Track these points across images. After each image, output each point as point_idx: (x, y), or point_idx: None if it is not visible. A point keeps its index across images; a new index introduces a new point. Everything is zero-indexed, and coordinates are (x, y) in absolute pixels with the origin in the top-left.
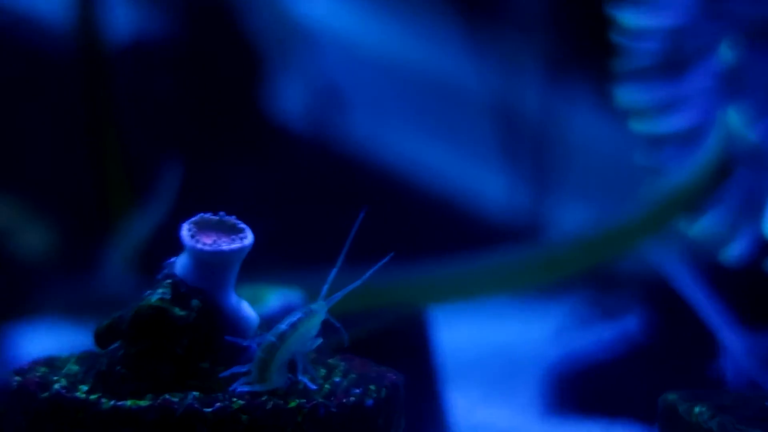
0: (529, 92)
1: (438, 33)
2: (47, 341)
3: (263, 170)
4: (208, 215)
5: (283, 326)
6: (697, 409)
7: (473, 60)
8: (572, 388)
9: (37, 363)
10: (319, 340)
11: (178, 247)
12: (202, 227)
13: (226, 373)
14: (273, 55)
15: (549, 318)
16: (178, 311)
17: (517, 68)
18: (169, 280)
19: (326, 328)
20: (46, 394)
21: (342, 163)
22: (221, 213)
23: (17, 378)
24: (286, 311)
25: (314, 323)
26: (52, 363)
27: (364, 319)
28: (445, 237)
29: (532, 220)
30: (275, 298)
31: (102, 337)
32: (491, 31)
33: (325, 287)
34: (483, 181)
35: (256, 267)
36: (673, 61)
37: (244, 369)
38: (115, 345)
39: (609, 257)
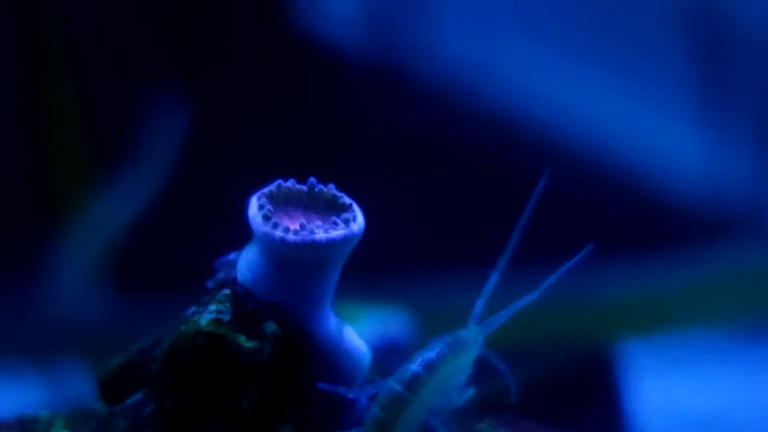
0: None
1: None
2: None
3: (305, 116)
4: (290, 183)
5: (415, 367)
6: None
7: None
8: None
9: (4, 426)
10: (472, 391)
11: (211, 243)
12: (282, 202)
13: None
14: None
15: None
16: (244, 342)
17: None
18: (227, 291)
19: (475, 374)
20: None
21: (429, 108)
22: (312, 180)
23: None
24: (389, 346)
25: (464, 363)
26: (26, 427)
27: (527, 359)
28: (615, 233)
29: (751, 206)
30: (369, 323)
31: (111, 386)
32: None
33: (480, 302)
34: (674, 143)
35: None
36: None
37: None
38: (137, 397)
39: None
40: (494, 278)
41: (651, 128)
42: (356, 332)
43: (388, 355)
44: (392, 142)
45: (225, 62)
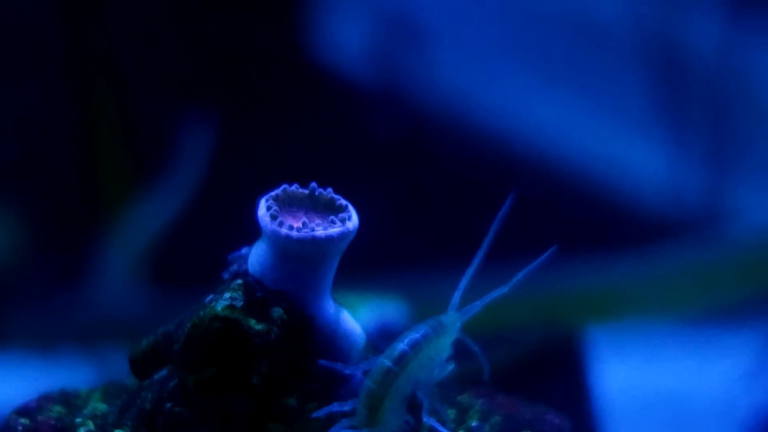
0: (700, 30)
1: None
2: (21, 383)
3: (313, 133)
4: (294, 187)
5: (402, 346)
6: None
7: None
8: None
9: (48, 399)
10: (451, 367)
11: (226, 239)
12: (287, 204)
13: (322, 413)
14: None
15: (733, 352)
16: (255, 324)
17: None
18: (239, 281)
19: (455, 353)
20: None
21: (424, 127)
22: (313, 184)
23: (23, 421)
24: (384, 330)
25: (444, 343)
26: (68, 400)
27: (502, 342)
28: (583, 234)
29: (706, 209)
30: (367, 311)
31: (141, 363)
32: None
33: (458, 293)
34: (636, 155)
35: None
36: None
37: (346, 407)
38: (163, 373)
39: None
40: (470, 273)
41: (617, 143)
42: (356, 318)
43: (383, 338)
44: (387, 154)
45: (248, 88)
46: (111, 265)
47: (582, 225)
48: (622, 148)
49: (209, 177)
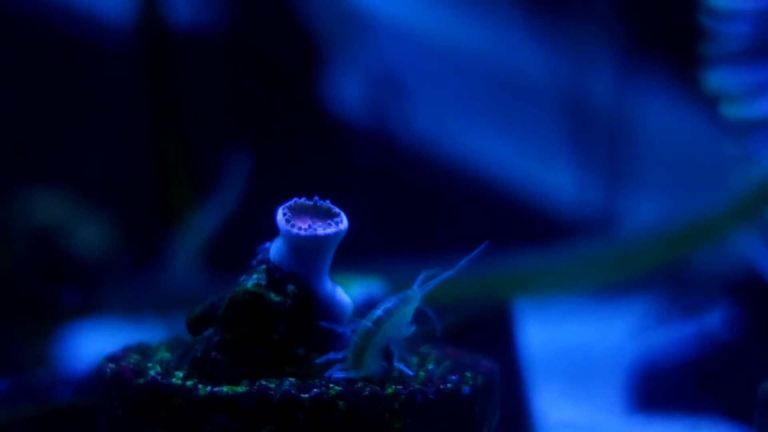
0: (601, 82)
1: (504, 20)
2: (111, 340)
3: (324, 162)
4: (302, 200)
5: (378, 312)
6: None
7: (542, 49)
8: (654, 386)
9: (129, 350)
10: (413, 327)
11: (255, 237)
12: (297, 212)
13: (322, 360)
14: (331, 44)
15: (625, 316)
16: (274, 297)
17: (588, 56)
18: (264, 266)
19: (417, 318)
20: (141, 381)
21: (402, 156)
22: (316, 197)
23: (111, 365)
24: (369, 302)
25: (409, 310)
26: (143, 350)
27: (453, 310)
28: (514, 233)
29: (604, 216)
30: (357, 288)
31: (194, 324)
32: (561, 17)
33: (422, 275)
34: (552, 176)
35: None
36: (764, 45)
37: (339, 355)
38: (209, 332)
39: (695, 249)
40: (440, 278)
41: (538, 167)
42: (348, 293)
43: (368, 307)
44: (373, 178)
45: (273, 131)
46: (178, 256)
47: (512, 226)
48: (542, 171)
49: (246, 194)
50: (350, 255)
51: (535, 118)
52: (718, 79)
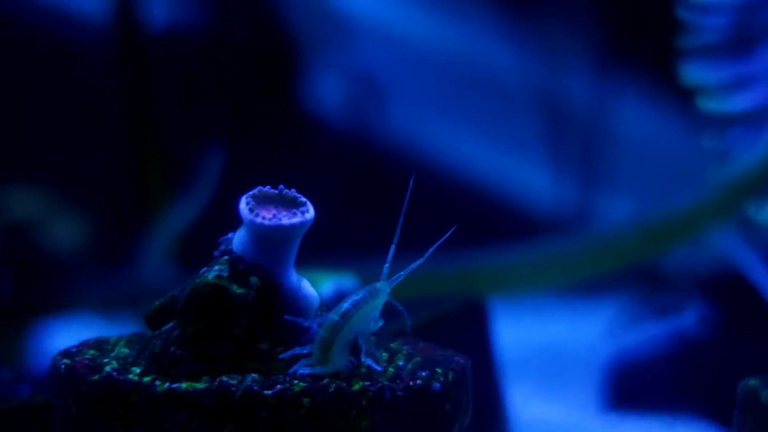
0: (575, 82)
1: (480, 22)
2: (81, 336)
3: (299, 160)
4: (267, 188)
5: (346, 305)
6: None
7: (517, 49)
8: (629, 384)
9: (85, 345)
10: (382, 322)
11: (227, 226)
12: (261, 201)
13: (286, 355)
14: (310, 45)
15: (598, 315)
16: (237, 289)
17: (562, 55)
18: (226, 257)
19: (386, 312)
20: (96, 377)
21: (379, 155)
22: (281, 186)
23: (65, 361)
24: (339, 297)
25: (378, 303)
26: (100, 345)
27: (425, 306)
28: (488, 230)
29: (578, 214)
30: (328, 283)
31: (153, 318)
32: (535, 18)
33: (386, 266)
34: (527, 174)
35: (305, 253)
36: (742, 38)
37: (304, 350)
38: (169, 326)
39: (671, 245)
40: (392, 248)
41: (513, 165)
42: (319, 287)
43: (337, 302)
44: (347, 171)
45: (251, 125)
46: (152, 251)
47: (486, 223)
48: (517, 169)
49: (220, 191)
50: (324, 251)
51: (510, 117)
52: (695, 73)
